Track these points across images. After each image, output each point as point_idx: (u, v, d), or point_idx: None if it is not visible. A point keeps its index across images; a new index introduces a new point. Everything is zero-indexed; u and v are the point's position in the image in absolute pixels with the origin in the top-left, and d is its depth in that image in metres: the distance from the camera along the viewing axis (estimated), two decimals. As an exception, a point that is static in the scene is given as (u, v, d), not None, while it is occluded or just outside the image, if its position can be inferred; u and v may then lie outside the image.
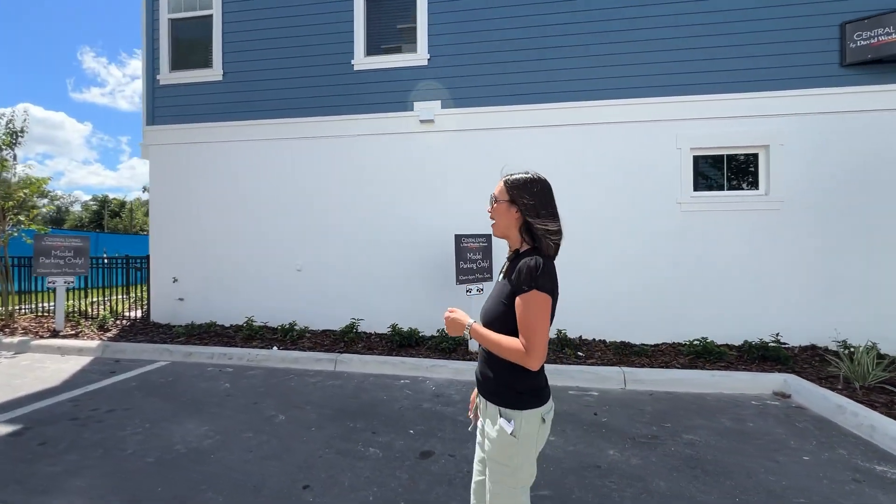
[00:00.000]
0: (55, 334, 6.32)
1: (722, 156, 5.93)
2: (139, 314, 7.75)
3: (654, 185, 5.91)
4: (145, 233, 43.77)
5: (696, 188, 5.94)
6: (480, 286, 5.61)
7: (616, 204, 5.98)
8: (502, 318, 1.47)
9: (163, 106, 7.17)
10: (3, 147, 6.48)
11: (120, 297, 8.25)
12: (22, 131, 6.61)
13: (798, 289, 5.57)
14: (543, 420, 1.46)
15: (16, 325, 6.69)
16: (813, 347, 5.44)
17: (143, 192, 53.02)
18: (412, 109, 6.45)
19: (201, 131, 7.03)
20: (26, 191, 6.55)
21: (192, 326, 6.49)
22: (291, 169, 6.77)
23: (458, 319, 1.55)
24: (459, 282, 5.47)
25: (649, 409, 3.97)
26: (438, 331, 6.05)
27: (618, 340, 5.90)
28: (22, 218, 6.75)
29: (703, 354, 5.20)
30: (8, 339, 6.02)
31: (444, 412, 3.88)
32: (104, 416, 3.72)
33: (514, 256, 1.54)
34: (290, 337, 6.08)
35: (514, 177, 1.56)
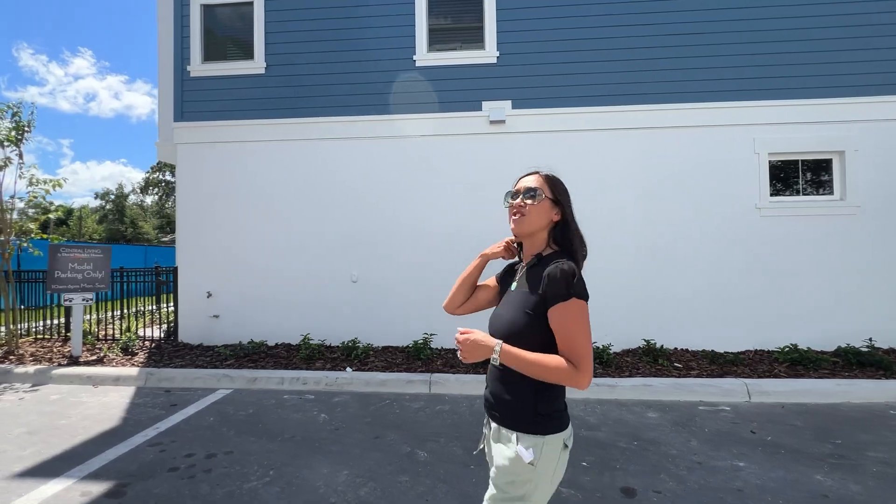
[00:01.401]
0: (74, 361, 5.43)
1: (796, 161, 5.93)
2: (155, 333, 6.86)
3: (732, 190, 5.82)
4: (95, 240, 40.44)
5: (771, 193, 5.91)
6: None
7: (693, 209, 5.84)
8: (527, 332, 1.29)
9: (193, 100, 6.43)
10: (8, 144, 5.53)
11: (116, 313, 7.32)
12: (29, 125, 5.68)
13: (879, 294, 5.61)
14: (566, 446, 1.31)
15: (21, 351, 5.71)
16: (897, 351, 5.48)
17: (95, 198, 49.22)
18: (481, 109, 6.08)
19: (240, 129, 6.34)
20: (37, 195, 5.61)
21: (238, 347, 5.77)
22: (345, 172, 6.22)
23: (482, 341, 1.29)
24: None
25: (800, 424, 3.76)
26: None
27: (699, 349, 5.74)
28: (32, 226, 5.78)
29: (801, 362, 5.10)
30: (21, 369, 5.10)
31: (598, 438, 3.51)
32: (209, 464, 3.09)
33: (537, 261, 1.37)
34: (354, 356, 5.51)
35: (552, 174, 1.44)
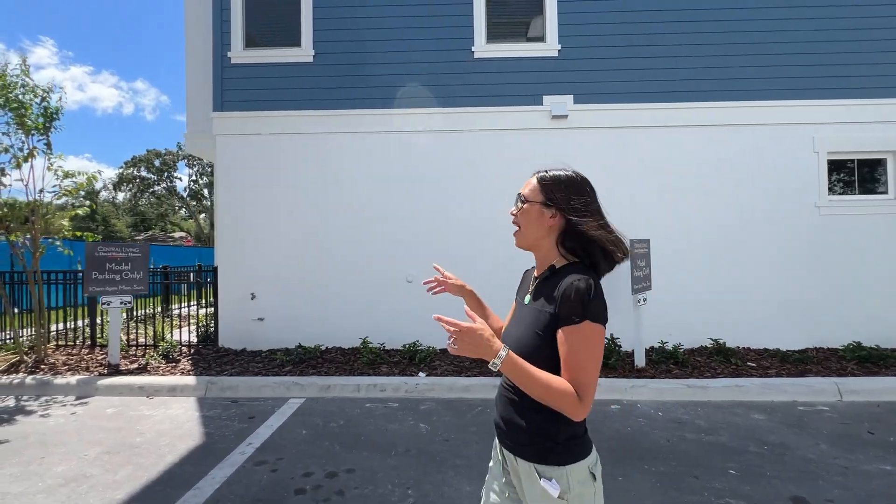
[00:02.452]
0: (115, 370, 4.98)
1: (852, 160, 6.00)
2: (183, 336, 6.39)
3: (792, 188, 5.84)
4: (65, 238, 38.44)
5: (829, 192, 5.96)
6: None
7: (753, 207, 5.83)
8: (536, 353, 1.14)
9: (234, 89, 6.02)
10: (37, 132, 4.99)
11: (124, 316, 6.83)
12: (58, 112, 5.16)
13: (933, 290, 5.72)
14: (594, 476, 1.15)
15: (52, 360, 5.21)
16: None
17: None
18: (542, 104, 5.91)
19: (285, 120, 5.98)
20: (68, 190, 5.08)
21: (294, 352, 5.42)
22: (399, 166, 5.94)
23: (486, 339, 1.06)
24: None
25: (909, 423, 3.75)
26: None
27: (761, 347, 5.74)
28: (65, 223, 5.26)
29: (870, 359, 5.15)
30: (62, 380, 4.64)
31: (723, 443, 3.40)
32: (335, 484, 2.81)
33: (550, 273, 1.22)
34: (419, 359, 5.26)
35: (552, 173, 1.24)
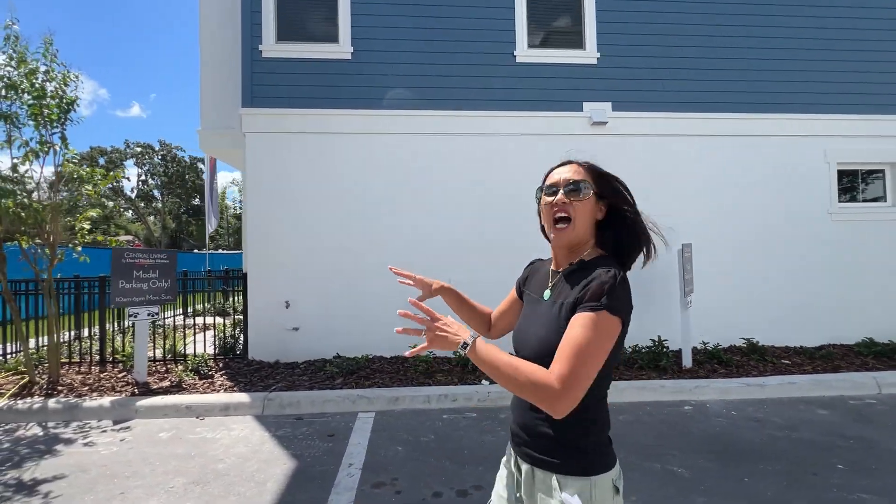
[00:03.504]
0: (146, 388, 4.51)
1: (856, 171, 6.52)
2: (200, 348, 5.87)
3: (806, 195, 6.25)
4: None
5: (838, 199, 6.44)
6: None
7: (774, 214, 6.19)
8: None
9: (266, 84, 5.66)
10: (52, 124, 4.39)
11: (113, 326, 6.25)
12: (74, 103, 4.59)
13: (928, 289, 6.30)
14: (616, 489, 1.07)
15: (68, 380, 4.63)
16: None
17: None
18: (581, 110, 5.98)
19: (320, 118, 5.69)
20: (88, 189, 4.50)
21: (342, 362, 5.14)
22: (437, 169, 5.80)
23: (453, 331, 1.01)
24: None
25: (952, 412, 4.10)
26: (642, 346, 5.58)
27: (781, 345, 6.09)
28: (86, 226, 4.66)
29: (885, 353, 5.59)
30: (92, 403, 4.13)
31: (808, 439, 3.55)
32: (474, 502, 2.67)
33: (578, 266, 1.13)
34: (471, 366, 5.15)
35: (586, 160, 1.20)
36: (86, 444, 3.53)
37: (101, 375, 4.90)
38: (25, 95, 4.15)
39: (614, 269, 1.04)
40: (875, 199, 6.57)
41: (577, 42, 6.08)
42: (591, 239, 1.15)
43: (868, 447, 3.39)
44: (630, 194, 1.16)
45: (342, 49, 5.73)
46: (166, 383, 4.69)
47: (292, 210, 5.66)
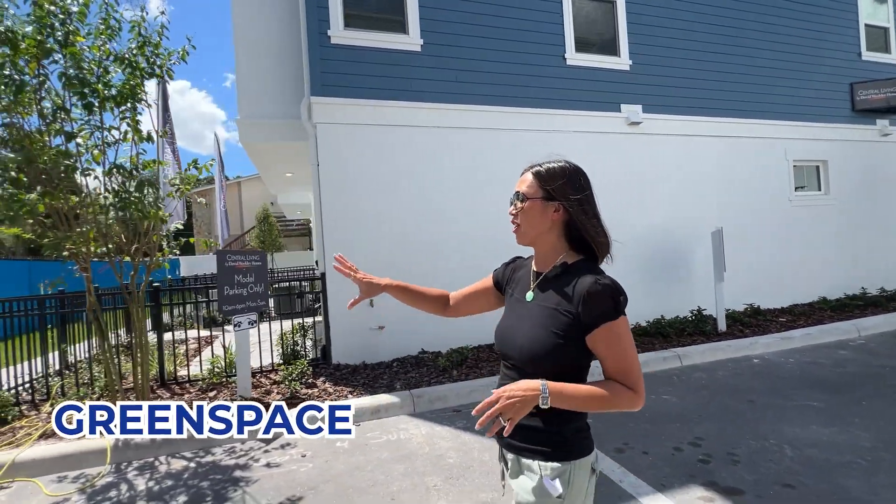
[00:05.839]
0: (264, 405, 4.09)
1: (801, 167, 8.24)
2: (258, 360, 5.38)
3: (773, 186, 7.76)
4: None
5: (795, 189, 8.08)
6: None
7: (757, 201, 7.58)
8: (553, 356, 1.11)
9: (334, 72, 5.34)
10: (139, 101, 3.50)
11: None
12: (166, 73, 3.66)
13: (850, 257, 8.24)
14: (594, 470, 1.16)
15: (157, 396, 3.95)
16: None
17: None
18: (619, 111, 6.68)
19: (390, 111, 5.55)
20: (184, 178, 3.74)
21: (452, 354, 5.11)
22: (498, 164, 6.01)
23: (524, 393, 1.02)
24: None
25: (916, 343, 5.59)
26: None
27: (756, 305, 7.51)
28: (180, 225, 3.89)
29: (838, 307, 7.26)
30: (227, 424, 3.64)
31: (859, 372, 4.62)
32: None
33: (562, 271, 1.19)
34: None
35: (547, 166, 1.22)
36: (269, 466, 3.18)
37: (182, 398, 4.28)
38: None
39: (605, 276, 1.13)
40: (818, 190, 8.37)
41: (613, 49, 6.75)
42: (557, 240, 1.22)
43: (902, 370, 4.55)
44: (580, 189, 1.19)
45: (412, 40, 5.64)
46: (278, 396, 4.29)
47: (369, 204, 5.45)
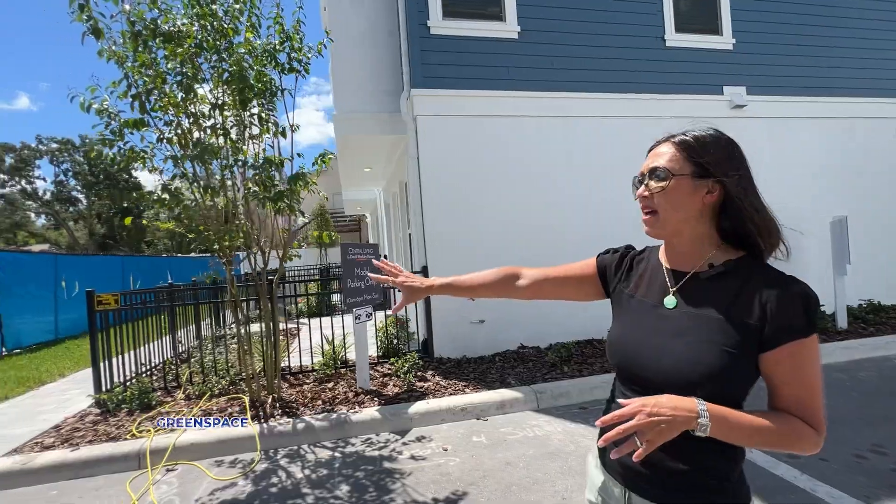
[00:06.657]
0: (384, 396, 4.10)
1: (921, 148, 7.47)
2: (349, 356, 5.43)
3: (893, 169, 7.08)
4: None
5: (910, 174, 7.33)
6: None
7: (871, 185, 6.93)
8: (724, 378, 0.86)
9: (434, 63, 5.29)
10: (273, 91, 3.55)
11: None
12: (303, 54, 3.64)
13: None
14: None
15: (283, 397, 4.06)
16: None
17: None
18: (722, 93, 6.27)
19: (489, 100, 5.44)
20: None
21: (560, 348, 4.98)
22: (600, 153, 5.78)
23: (672, 412, 0.79)
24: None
25: None
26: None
27: (877, 301, 6.88)
28: (307, 220, 4.01)
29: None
30: (359, 416, 3.68)
31: None
32: None
33: (725, 269, 0.93)
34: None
35: (694, 134, 0.96)
36: (415, 459, 3.17)
37: (302, 389, 4.37)
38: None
39: (796, 281, 0.88)
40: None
41: (715, 28, 6.33)
42: (707, 230, 0.95)
43: None
44: (740, 164, 0.93)
45: (509, 28, 5.50)
46: (396, 389, 4.30)
47: (470, 197, 5.38)
